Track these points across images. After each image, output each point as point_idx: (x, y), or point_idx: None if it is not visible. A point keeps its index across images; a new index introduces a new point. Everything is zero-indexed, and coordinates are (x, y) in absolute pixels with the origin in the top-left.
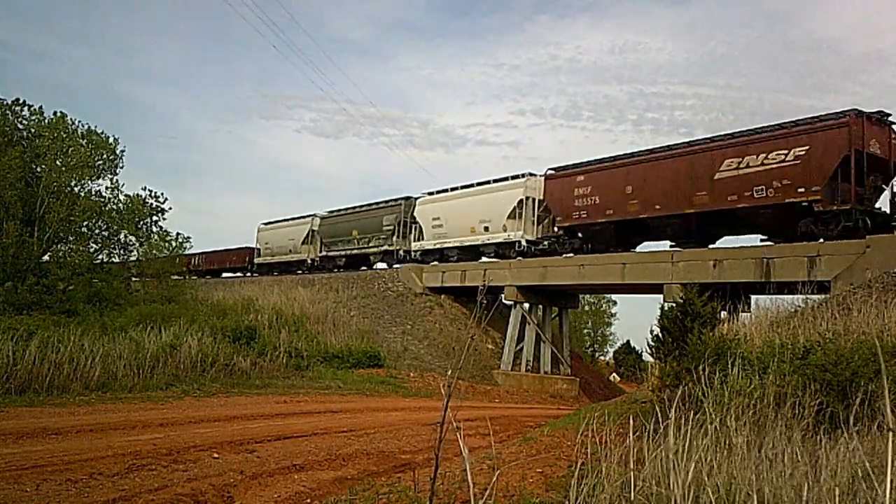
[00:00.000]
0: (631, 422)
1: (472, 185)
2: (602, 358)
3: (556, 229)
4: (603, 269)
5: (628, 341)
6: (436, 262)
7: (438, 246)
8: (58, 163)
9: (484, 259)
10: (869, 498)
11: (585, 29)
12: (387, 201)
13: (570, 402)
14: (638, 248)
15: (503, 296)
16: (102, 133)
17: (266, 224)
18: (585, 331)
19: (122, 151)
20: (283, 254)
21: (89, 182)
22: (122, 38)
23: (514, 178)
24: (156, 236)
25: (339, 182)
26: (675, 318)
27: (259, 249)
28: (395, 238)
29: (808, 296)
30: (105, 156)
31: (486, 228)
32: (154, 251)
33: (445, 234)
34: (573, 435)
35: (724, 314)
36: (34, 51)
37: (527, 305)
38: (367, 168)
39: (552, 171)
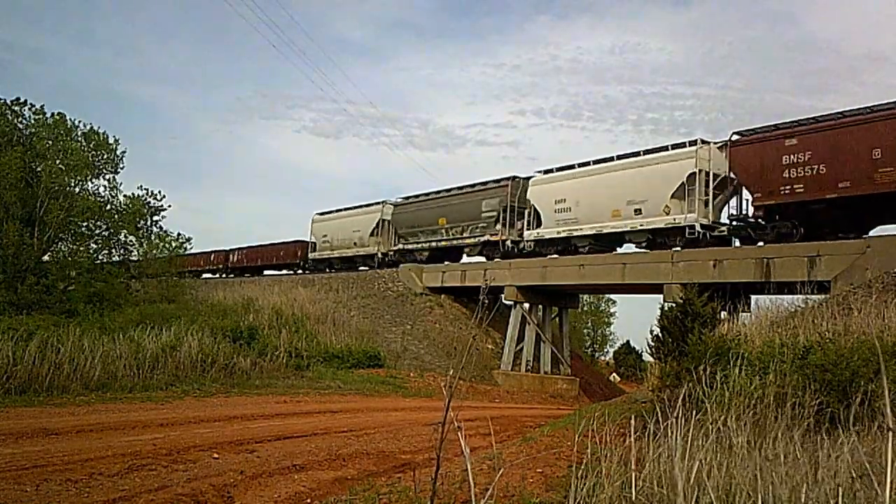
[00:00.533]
0: (631, 422)
1: (609, 159)
2: (602, 358)
3: (745, 211)
4: (603, 269)
5: (628, 341)
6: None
7: (564, 234)
8: (58, 163)
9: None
10: (869, 498)
11: (586, 29)
12: (485, 183)
13: (570, 402)
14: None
15: (503, 296)
16: (103, 133)
17: (323, 214)
18: (585, 331)
19: (123, 152)
20: (346, 247)
21: (89, 182)
22: (123, 39)
23: (676, 146)
24: (155, 237)
25: (340, 182)
26: (675, 318)
27: (315, 243)
28: (498, 226)
29: (808, 296)
30: (105, 156)
31: (638, 211)
32: (154, 251)
33: (575, 219)
34: (573, 435)
35: (724, 314)
36: (35, 51)
37: (527, 305)
38: (367, 168)
39: (741, 136)
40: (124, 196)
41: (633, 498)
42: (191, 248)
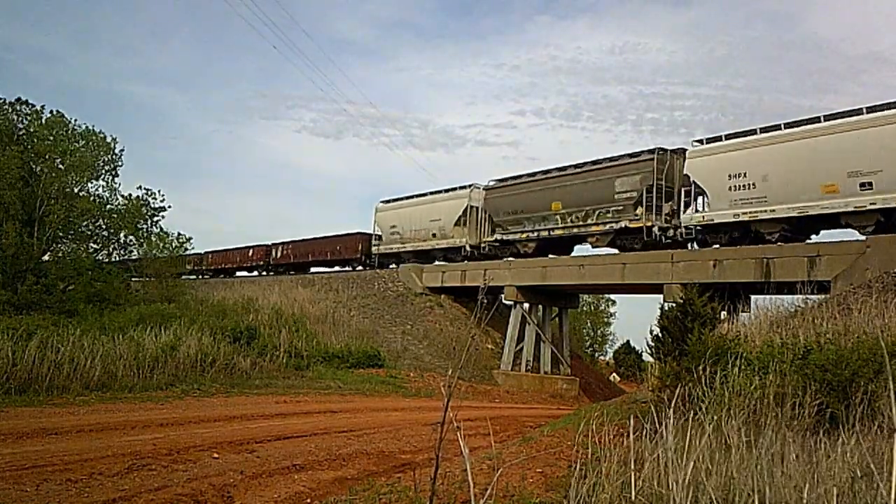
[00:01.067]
0: (631, 422)
1: (814, 119)
2: (602, 358)
3: None
4: (603, 269)
5: (628, 341)
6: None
7: (745, 217)
8: (58, 163)
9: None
10: (869, 498)
11: (586, 29)
12: (617, 158)
13: (570, 402)
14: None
15: (503, 296)
16: (101, 133)
17: (388, 202)
18: (585, 331)
19: (122, 151)
20: (421, 240)
21: (88, 182)
22: (123, 39)
23: None
24: (155, 237)
25: (340, 182)
26: (675, 318)
27: (379, 236)
28: (639, 210)
29: (808, 296)
30: (104, 155)
31: (867, 185)
32: (154, 251)
33: (762, 198)
34: (573, 435)
35: (724, 314)
36: (35, 50)
37: (527, 305)
38: (367, 168)
39: None
40: (123, 196)
41: (633, 498)
42: (191, 248)
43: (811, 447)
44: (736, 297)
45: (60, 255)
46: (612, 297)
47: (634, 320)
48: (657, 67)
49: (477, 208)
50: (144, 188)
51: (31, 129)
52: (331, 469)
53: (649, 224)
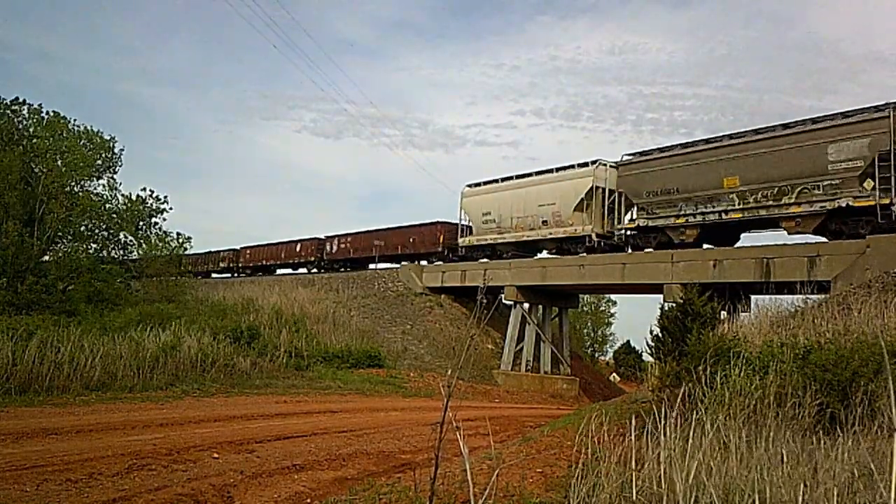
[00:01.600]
0: (631, 422)
1: None
2: (602, 358)
3: None
4: (603, 269)
5: (628, 341)
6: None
7: None
8: (58, 163)
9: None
10: (869, 498)
11: (585, 30)
12: (833, 117)
13: (570, 402)
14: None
15: (503, 296)
16: (99, 132)
17: (478, 185)
18: (585, 331)
19: (121, 151)
20: (526, 229)
21: (88, 182)
22: (123, 39)
23: None
24: (155, 237)
25: (340, 182)
26: (675, 318)
27: (468, 226)
28: (866, 184)
29: (808, 296)
30: (104, 155)
31: None
32: (153, 251)
33: None
34: (573, 435)
35: (724, 314)
36: (35, 51)
37: (527, 305)
38: (367, 168)
39: None
40: (123, 196)
41: (633, 498)
42: (190, 248)
43: (811, 447)
44: (736, 297)
45: (60, 255)
46: (613, 297)
47: (634, 320)
48: (657, 67)
49: (604, 189)
50: (149, 190)
51: (31, 130)
52: (331, 469)
53: (886, 202)
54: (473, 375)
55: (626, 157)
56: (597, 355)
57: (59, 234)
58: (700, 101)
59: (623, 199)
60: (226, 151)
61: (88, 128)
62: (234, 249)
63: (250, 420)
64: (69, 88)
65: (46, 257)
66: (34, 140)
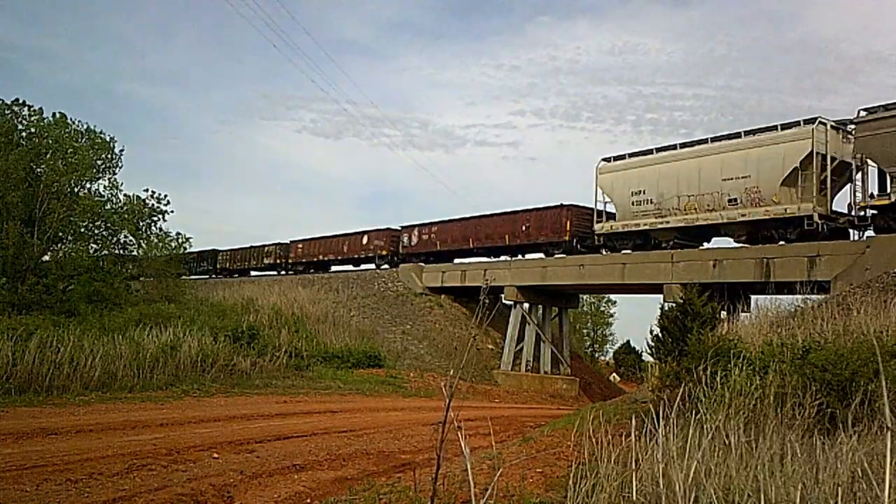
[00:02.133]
0: (631, 422)
1: None
2: (602, 358)
3: None
4: (603, 269)
5: (628, 341)
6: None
7: None
8: (59, 163)
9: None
10: (868, 498)
11: (585, 30)
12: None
13: (570, 402)
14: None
15: (503, 296)
16: (100, 132)
17: (622, 158)
18: (585, 331)
19: (121, 151)
20: (703, 209)
21: (89, 182)
22: (124, 39)
23: None
24: (155, 237)
25: (340, 182)
26: (675, 318)
27: (606, 211)
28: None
29: (808, 296)
30: (104, 155)
31: None
32: (154, 251)
33: None
34: (573, 435)
35: (724, 314)
36: (35, 50)
37: (527, 305)
38: (367, 168)
39: None
40: (124, 195)
41: (633, 498)
42: (189, 247)
43: (811, 447)
44: (736, 297)
45: (61, 255)
46: (613, 297)
47: (634, 320)
48: (657, 68)
49: (824, 156)
50: (151, 191)
51: (32, 130)
52: (331, 469)
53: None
54: (473, 375)
55: (862, 114)
56: (597, 355)
57: (60, 234)
58: (700, 102)
59: (865, 168)
60: (226, 151)
61: (91, 126)
62: (281, 244)
63: (250, 420)
64: (69, 88)
65: (47, 257)
66: (35, 140)
